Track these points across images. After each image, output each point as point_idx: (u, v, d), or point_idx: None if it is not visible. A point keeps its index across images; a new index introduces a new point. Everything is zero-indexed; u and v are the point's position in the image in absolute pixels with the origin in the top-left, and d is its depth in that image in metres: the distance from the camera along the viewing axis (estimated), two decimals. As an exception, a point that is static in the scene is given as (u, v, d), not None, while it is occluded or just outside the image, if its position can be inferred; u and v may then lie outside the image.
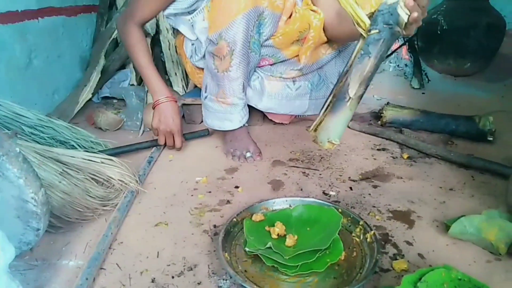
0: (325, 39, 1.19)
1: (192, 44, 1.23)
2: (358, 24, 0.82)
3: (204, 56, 1.19)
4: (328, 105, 0.83)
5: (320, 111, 0.85)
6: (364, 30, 0.81)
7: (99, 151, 1.11)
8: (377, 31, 0.79)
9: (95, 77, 1.56)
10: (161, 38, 1.82)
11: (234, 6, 1.02)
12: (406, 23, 0.78)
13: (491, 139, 1.23)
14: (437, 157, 1.15)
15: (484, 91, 1.73)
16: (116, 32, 1.71)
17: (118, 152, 1.19)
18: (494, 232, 0.75)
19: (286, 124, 1.41)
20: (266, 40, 1.14)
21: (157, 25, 1.78)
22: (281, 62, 1.23)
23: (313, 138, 0.86)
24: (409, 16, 0.77)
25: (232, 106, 1.15)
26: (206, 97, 1.19)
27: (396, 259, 0.76)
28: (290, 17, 1.14)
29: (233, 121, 1.17)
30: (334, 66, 1.29)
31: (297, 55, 1.23)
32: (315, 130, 0.84)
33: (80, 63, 1.68)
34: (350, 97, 0.80)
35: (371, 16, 0.81)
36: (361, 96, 0.82)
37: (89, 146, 1.16)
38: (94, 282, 0.71)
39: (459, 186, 1.01)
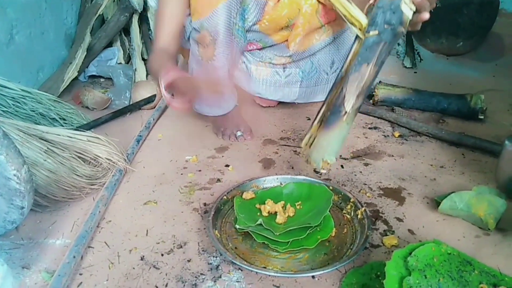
0: (318, 25, 1.13)
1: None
2: (352, 23, 0.69)
3: (188, 39, 1.15)
4: (321, 118, 0.72)
5: (312, 123, 0.75)
6: (360, 30, 0.68)
7: (93, 121, 1.11)
8: (376, 32, 0.65)
9: (81, 54, 1.51)
10: (148, 15, 1.76)
11: None
12: (410, 20, 0.66)
13: (482, 117, 1.23)
14: (428, 135, 1.15)
15: (476, 71, 1.72)
16: (102, 8, 1.66)
17: (113, 117, 1.25)
18: (483, 207, 0.76)
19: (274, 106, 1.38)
20: (252, 25, 1.09)
21: (145, 2, 1.72)
22: (269, 47, 1.19)
23: (306, 157, 0.76)
24: (414, 12, 0.65)
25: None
26: None
27: (386, 235, 0.77)
28: (279, 0, 1.07)
29: (221, 107, 1.16)
30: (328, 53, 1.22)
31: (287, 40, 1.17)
32: (310, 146, 0.74)
33: (65, 41, 1.62)
34: (346, 111, 0.70)
35: (368, 11, 0.68)
36: (358, 108, 0.72)
37: (72, 119, 1.16)
38: (82, 260, 0.71)
39: (449, 164, 1.01)
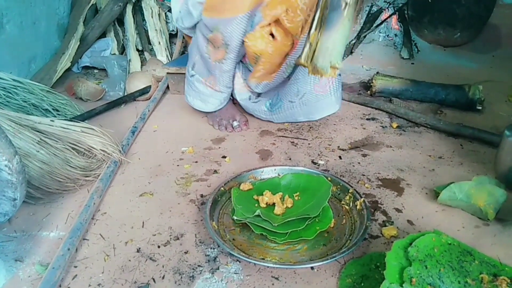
0: (277, 64, 1.06)
1: (180, 12, 1.14)
2: None
3: (193, 27, 1.11)
4: (319, 23, 0.70)
5: (308, 33, 0.71)
6: None
7: (86, 112, 1.09)
8: None
9: (74, 44, 1.48)
10: (143, 5, 1.74)
11: (240, 2, 0.93)
12: None
13: (480, 108, 1.22)
14: (426, 126, 1.14)
15: (473, 62, 1.71)
16: (95, -3, 1.62)
17: (107, 108, 1.23)
18: (483, 197, 0.75)
19: None
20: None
21: (139, -9, 1.70)
22: (247, 69, 1.16)
23: (311, 68, 0.73)
24: None
25: (218, 93, 1.13)
26: (193, 76, 1.14)
27: (385, 226, 0.76)
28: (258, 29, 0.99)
29: (214, 104, 1.15)
30: (293, 84, 1.10)
31: None
32: (311, 59, 0.71)
33: (57, 31, 1.59)
34: (346, 3, 0.67)
35: None
36: (357, 2, 0.69)
37: (66, 111, 1.14)
38: (76, 252, 0.69)
39: (448, 154, 1.01)
